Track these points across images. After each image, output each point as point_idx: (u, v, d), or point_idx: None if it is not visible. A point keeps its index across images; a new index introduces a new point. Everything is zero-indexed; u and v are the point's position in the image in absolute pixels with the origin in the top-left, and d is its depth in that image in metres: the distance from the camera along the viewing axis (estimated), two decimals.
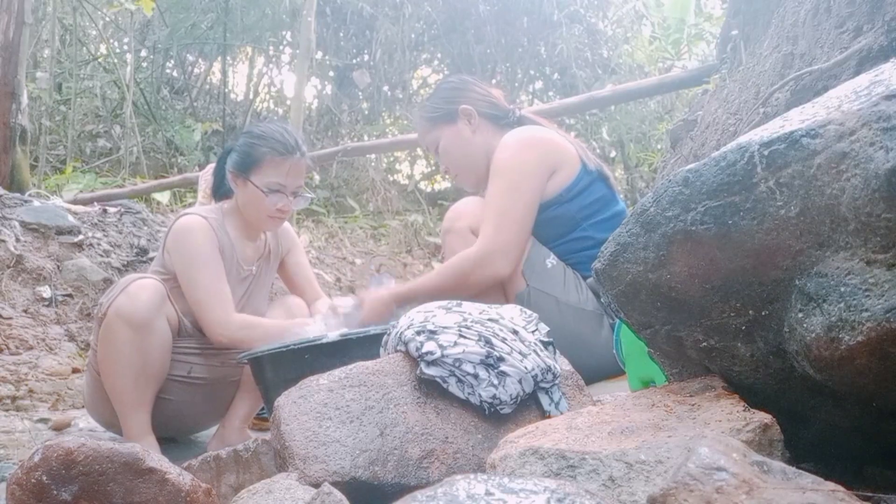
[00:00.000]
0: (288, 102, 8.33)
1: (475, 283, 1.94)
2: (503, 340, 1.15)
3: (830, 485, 0.59)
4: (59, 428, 2.51)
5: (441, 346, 1.12)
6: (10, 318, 3.25)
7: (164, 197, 5.45)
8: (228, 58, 8.55)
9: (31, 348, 3.19)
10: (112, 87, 7.48)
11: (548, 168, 2.00)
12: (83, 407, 2.53)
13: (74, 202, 4.60)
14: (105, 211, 4.34)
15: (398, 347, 1.19)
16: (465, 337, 1.14)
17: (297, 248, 2.44)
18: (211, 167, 3.49)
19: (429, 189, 8.67)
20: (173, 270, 2.13)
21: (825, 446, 0.90)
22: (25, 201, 4.00)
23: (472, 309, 1.23)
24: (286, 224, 2.41)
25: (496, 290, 1.99)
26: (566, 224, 2.02)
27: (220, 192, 2.35)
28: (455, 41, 8.41)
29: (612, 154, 8.07)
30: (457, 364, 1.10)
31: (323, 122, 8.73)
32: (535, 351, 1.16)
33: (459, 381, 1.10)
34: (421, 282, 2.08)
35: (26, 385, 2.95)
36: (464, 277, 1.94)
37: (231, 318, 2.04)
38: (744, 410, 0.82)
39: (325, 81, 8.88)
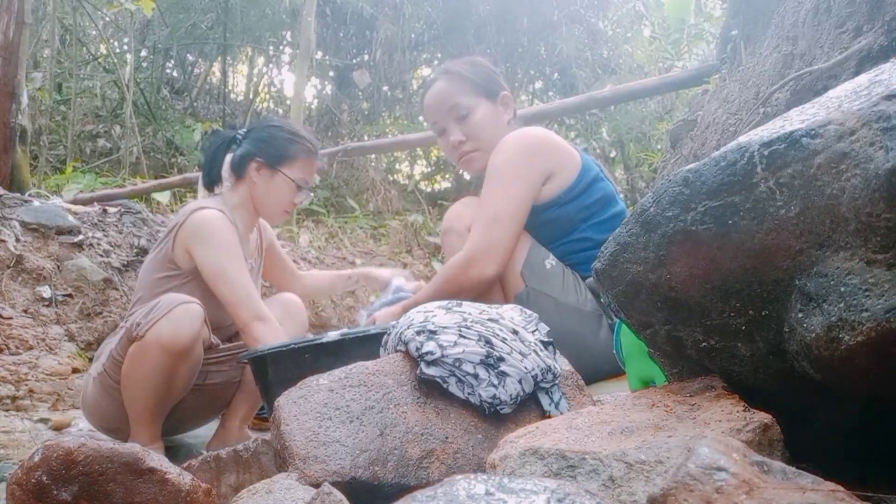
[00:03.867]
0: (288, 102, 8.32)
1: (465, 286, 1.93)
2: (503, 340, 1.15)
3: (830, 485, 0.58)
4: (59, 428, 2.51)
5: (441, 346, 1.12)
6: (10, 318, 3.24)
7: (164, 197, 5.44)
8: (228, 58, 8.55)
9: (31, 348, 3.19)
10: (112, 87, 7.48)
11: (543, 170, 1.99)
12: None
13: (74, 202, 4.60)
14: (105, 211, 4.34)
15: (398, 347, 1.19)
16: (465, 337, 1.14)
17: (275, 240, 2.54)
18: None
19: (429, 189, 8.66)
20: (187, 267, 2.11)
21: (825, 446, 0.90)
22: (25, 201, 3.99)
23: (472, 309, 1.23)
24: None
25: (496, 291, 1.99)
26: (565, 225, 2.02)
27: (214, 178, 2.35)
28: (455, 41, 8.39)
29: (612, 154, 8.06)
30: (457, 364, 1.10)
31: (323, 122, 8.73)
32: (535, 351, 1.16)
33: (459, 381, 1.10)
34: (420, 293, 2.09)
35: (26, 385, 2.95)
36: (454, 281, 1.94)
37: (266, 312, 2.06)
38: (744, 410, 0.82)
39: (325, 81, 8.88)
